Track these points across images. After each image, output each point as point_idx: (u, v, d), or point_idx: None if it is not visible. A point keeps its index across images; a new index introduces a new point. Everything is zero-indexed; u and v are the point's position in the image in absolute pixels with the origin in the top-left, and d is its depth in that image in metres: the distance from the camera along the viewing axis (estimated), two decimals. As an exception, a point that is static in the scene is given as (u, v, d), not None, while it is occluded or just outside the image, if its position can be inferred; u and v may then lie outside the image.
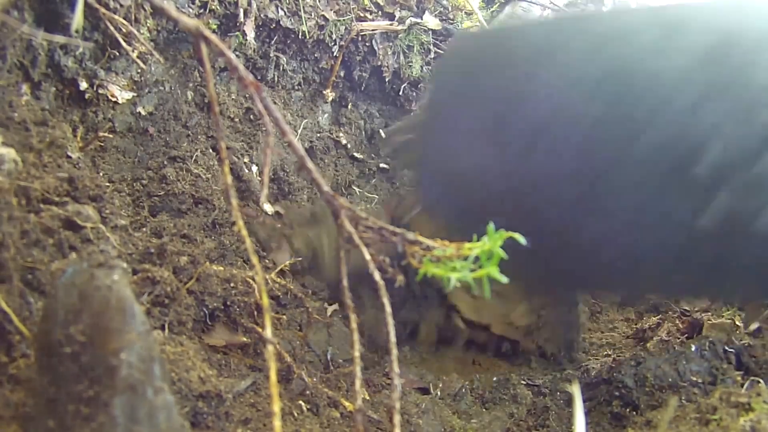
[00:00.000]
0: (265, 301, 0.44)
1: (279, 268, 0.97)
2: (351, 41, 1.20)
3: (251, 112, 1.12)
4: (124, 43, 0.80)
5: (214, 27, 0.99)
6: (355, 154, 1.37)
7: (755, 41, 0.61)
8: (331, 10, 1.16)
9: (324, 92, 1.25)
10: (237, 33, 1.02)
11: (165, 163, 0.94)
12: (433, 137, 0.81)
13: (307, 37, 1.12)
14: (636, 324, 1.13)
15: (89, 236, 0.64)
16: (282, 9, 1.08)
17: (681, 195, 0.61)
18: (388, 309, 0.46)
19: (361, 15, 1.20)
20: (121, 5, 0.80)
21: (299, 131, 1.22)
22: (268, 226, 1.02)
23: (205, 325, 0.72)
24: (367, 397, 0.78)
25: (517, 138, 0.68)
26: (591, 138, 0.65)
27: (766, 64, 0.60)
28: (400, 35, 1.24)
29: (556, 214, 0.67)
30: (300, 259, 1.05)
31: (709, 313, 1.02)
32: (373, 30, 1.20)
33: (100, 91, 0.84)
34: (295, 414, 0.67)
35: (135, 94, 0.89)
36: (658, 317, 1.09)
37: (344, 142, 1.33)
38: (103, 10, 0.76)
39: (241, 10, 1.00)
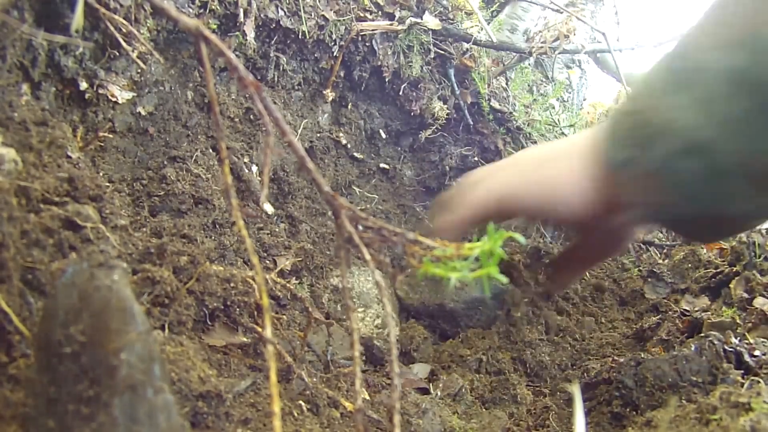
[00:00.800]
0: (265, 301, 0.44)
1: (279, 268, 0.98)
2: (351, 41, 1.20)
3: (251, 112, 1.12)
4: (124, 43, 0.80)
5: (214, 27, 0.99)
6: (355, 154, 1.37)
7: None
8: (331, 10, 1.16)
9: (324, 92, 1.25)
10: (237, 33, 1.02)
11: (165, 163, 0.94)
12: None
13: (307, 37, 1.12)
14: (636, 324, 1.13)
15: (89, 236, 0.64)
16: (282, 9, 1.08)
17: None
18: (389, 309, 0.46)
19: (361, 15, 1.20)
20: (121, 5, 0.80)
21: (299, 131, 1.23)
22: None
23: (205, 325, 0.72)
24: (367, 397, 0.78)
25: None
26: None
27: None
28: (400, 35, 1.25)
29: None
30: (300, 259, 1.05)
31: (709, 313, 1.02)
32: (373, 30, 1.20)
33: (100, 91, 0.84)
34: (295, 414, 0.67)
35: (135, 94, 0.89)
36: (658, 317, 1.09)
37: (344, 142, 1.33)
38: (103, 10, 0.76)
39: (241, 10, 1.00)
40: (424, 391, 0.89)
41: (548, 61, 1.94)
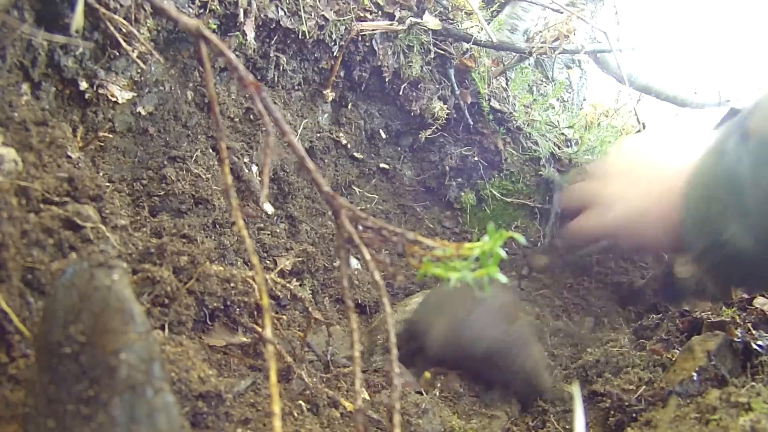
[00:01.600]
0: (265, 301, 0.44)
1: (279, 268, 0.98)
2: (351, 41, 1.20)
3: (251, 112, 1.12)
4: (124, 43, 0.80)
5: (214, 27, 0.99)
6: (355, 154, 1.37)
7: None
8: (331, 10, 1.16)
9: (324, 92, 1.25)
10: (237, 33, 1.02)
11: (165, 163, 0.94)
12: None
13: (307, 37, 1.12)
14: (636, 324, 1.13)
15: (89, 236, 0.64)
16: (282, 9, 1.08)
17: None
18: (389, 309, 0.46)
19: (361, 15, 1.20)
20: (121, 5, 0.80)
21: (299, 131, 1.23)
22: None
23: (205, 325, 0.72)
24: (367, 397, 0.78)
25: None
26: None
27: None
28: (400, 35, 1.25)
29: None
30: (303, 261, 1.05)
31: (709, 312, 1.02)
32: (373, 30, 1.20)
33: (100, 91, 0.84)
34: (295, 414, 0.67)
35: (135, 94, 0.89)
36: (658, 317, 1.09)
37: (344, 142, 1.33)
38: (103, 10, 0.76)
39: (241, 10, 1.00)
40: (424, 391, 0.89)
41: (548, 61, 1.94)
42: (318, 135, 1.28)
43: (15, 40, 0.69)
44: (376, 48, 1.23)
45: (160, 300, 0.64)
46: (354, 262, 1.20)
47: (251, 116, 1.12)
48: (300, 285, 1.05)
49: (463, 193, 1.41)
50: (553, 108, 1.59)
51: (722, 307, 1.05)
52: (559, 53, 1.41)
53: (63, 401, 0.41)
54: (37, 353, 0.44)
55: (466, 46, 1.33)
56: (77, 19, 0.70)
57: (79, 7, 0.68)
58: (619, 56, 1.53)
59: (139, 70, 0.88)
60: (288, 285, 0.78)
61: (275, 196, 1.17)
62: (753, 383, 0.70)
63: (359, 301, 1.13)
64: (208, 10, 0.95)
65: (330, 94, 1.26)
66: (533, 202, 1.39)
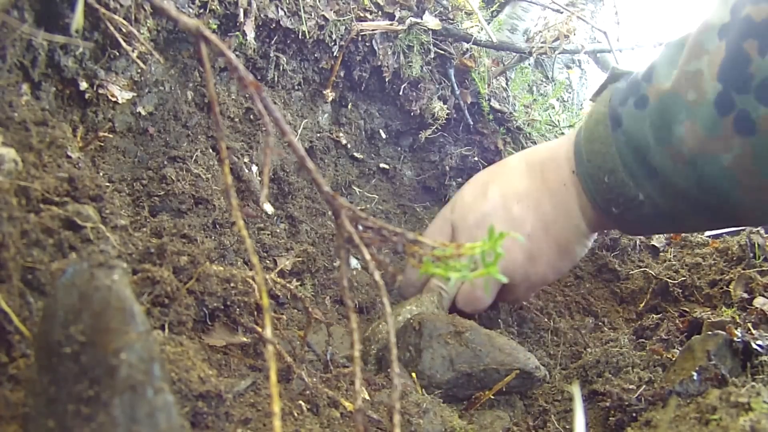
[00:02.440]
0: (265, 301, 0.44)
1: (279, 268, 0.98)
2: (351, 41, 1.20)
3: (251, 112, 1.12)
4: (124, 43, 0.80)
5: (214, 27, 0.99)
6: (355, 154, 1.37)
7: None
8: (331, 10, 1.16)
9: (324, 92, 1.25)
10: (237, 33, 1.02)
11: (165, 163, 0.94)
12: None
13: (307, 37, 1.12)
14: (636, 324, 1.13)
15: (89, 236, 0.64)
16: (282, 9, 1.08)
17: None
18: (389, 309, 0.46)
19: (361, 15, 1.20)
20: (121, 5, 0.80)
21: (299, 131, 1.23)
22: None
23: (205, 325, 0.72)
24: (367, 397, 0.78)
25: None
26: None
27: None
28: (400, 35, 1.25)
29: None
30: (300, 259, 1.05)
31: (709, 312, 1.02)
32: (373, 30, 1.20)
33: (100, 91, 0.84)
34: (295, 414, 0.67)
35: (135, 94, 0.89)
36: (658, 317, 1.09)
37: (344, 142, 1.33)
38: (103, 10, 0.76)
39: (241, 10, 1.00)
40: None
41: (548, 61, 1.94)
42: (318, 135, 1.28)
43: (15, 40, 0.69)
44: (376, 48, 1.23)
45: (160, 300, 0.64)
46: (354, 262, 1.20)
47: (251, 116, 1.12)
48: (301, 285, 1.05)
49: (463, 193, 1.41)
50: (553, 108, 1.59)
51: (722, 307, 1.05)
52: (559, 53, 1.41)
53: (63, 401, 0.41)
54: (37, 353, 0.44)
55: (466, 46, 1.33)
56: (77, 19, 0.70)
57: (79, 7, 0.68)
58: (619, 56, 1.53)
59: (139, 70, 0.88)
60: (288, 285, 0.78)
61: (275, 196, 1.17)
62: (753, 383, 0.70)
63: (357, 304, 1.13)
64: (208, 10, 0.95)
65: (330, 94, 1.26)
66: (533, 202, 1.39)
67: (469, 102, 1.38)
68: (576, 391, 0.46)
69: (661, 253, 1.34)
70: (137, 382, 0.41)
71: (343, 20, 1.17)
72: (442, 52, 1.32)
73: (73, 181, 0.68)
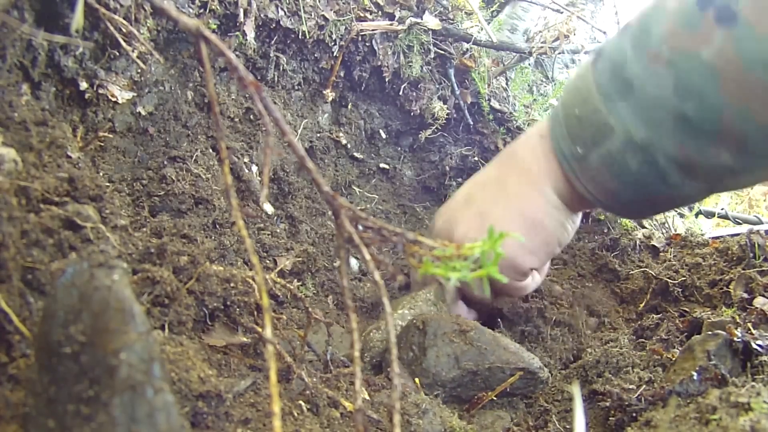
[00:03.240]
0: (265, 301, 0.44)
1: (279, 268, 0.98)
2: (351, 41, 1.20)
3: (251, 112, 1.12)
4: (124, 43, 0.80)
5: (214, 27, 0.99)
6: (355, 154, 1.37)
7: None
8: (331, 10, 1.16)
9: (324, 92, 1.25)
10: (237, 33, 1.02)
11: (165, 163, 0.94)
12: None
13: (307, 37, 1.12)
14: (636, 324, 1.13)
15: (89, 236, 0.64)
16: (282, 9, 1.08)
17: None
18: (388, 309, 0.46)
19: (361, 15, 1.20)
20: (121, 5, 0.80)
21: (299, 131, 1.23)
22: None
23: (205, 325, 0.72)
24: (367, 397, 0.78)
25: None
26: None
27: None
28: (400, 35, 1.25)
29: None
30: (299, 259, 1.05)
31: (709, 312, 1.02)
32: (373, 30, 1.20)
33: (100, 91, 0.84)
34: (295, 414, 0.67)
35: (135, 94, 0.89)
36: (658, 317, 1.09)
37: (344, 142, 1.33)
38: (103, 10, 0.76)
39: (241, 10, 1.00)
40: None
41: (548, 61, 1.94)
42: (318, 135, 1.28)
43: (15, 40, 0.69)
44: (376, 48, 1.23)
45: (160, 300, 0.64)
46: (354, 262, 1.20)
47: (251, 116, 1.12)
48: (301, 285, 1.05)
49: (463, 193, 1.41)
50: (553, 108, 1.59)
51: (722, 307, 1.05)
52: (559, 53, 1.41)
53: (63, 401, 0.41)
54: (37, 353, 0.44)
55: (466, 46, 1.33)
56: (77, 19, 0.70)
57: (79, 7, 0.68)
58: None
59: (139, 70, 0.88)
60: (288, 285, 0.78)
61: (275, 196, 1.17)
62: (753, 383, 0.70)
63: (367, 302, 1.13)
64: (208, 10, 0.95)
65: (330, 94, 1.26)
66: (533, 202, 1.39)
67: (469, 102, 1.38)
68: (576, 391, 0.46)
69: (661, 253, 1.34)
70: (137, 382, 0.41)
71: (343, 20, 1.17)
72: (442, 52, 1.32)
73: (73, 181, 0.68)
